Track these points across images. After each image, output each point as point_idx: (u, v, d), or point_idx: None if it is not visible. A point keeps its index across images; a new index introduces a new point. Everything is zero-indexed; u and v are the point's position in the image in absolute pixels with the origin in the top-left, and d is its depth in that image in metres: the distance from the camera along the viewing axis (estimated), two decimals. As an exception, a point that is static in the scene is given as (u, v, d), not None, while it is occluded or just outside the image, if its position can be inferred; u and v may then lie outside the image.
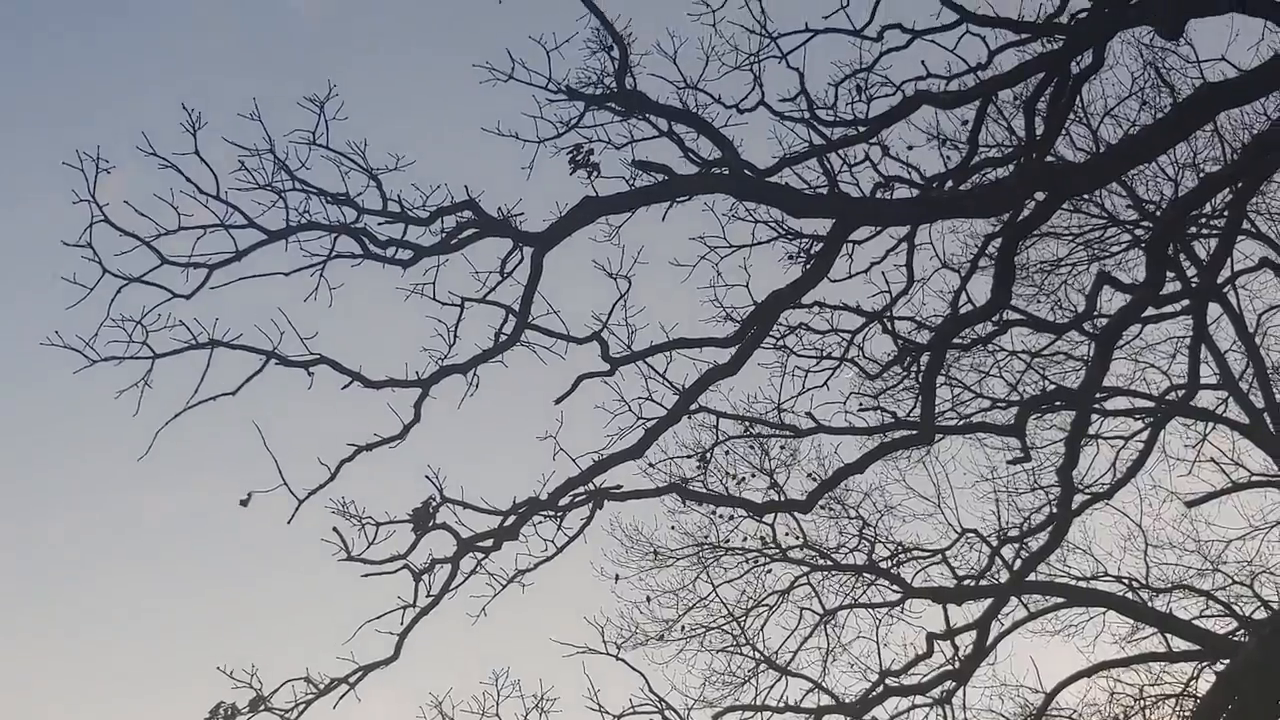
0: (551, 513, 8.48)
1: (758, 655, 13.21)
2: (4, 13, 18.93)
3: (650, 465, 12.04)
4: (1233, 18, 9.46)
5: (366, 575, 8.24)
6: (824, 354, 11.22)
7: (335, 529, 8.12)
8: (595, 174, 8.08)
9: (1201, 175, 11.84)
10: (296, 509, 8.08)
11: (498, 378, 8.54)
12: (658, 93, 9.13)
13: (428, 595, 8.33)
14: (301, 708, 8.33)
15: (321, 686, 8.32)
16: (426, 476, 8.27)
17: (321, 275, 8.03)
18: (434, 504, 8.18)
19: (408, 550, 8.20)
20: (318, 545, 8.23)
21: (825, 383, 11.04)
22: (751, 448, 13.32)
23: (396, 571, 8.26)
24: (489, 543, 8.34)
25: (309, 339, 7.91)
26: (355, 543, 8.19)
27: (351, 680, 8.33)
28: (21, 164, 19.79)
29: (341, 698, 8.37)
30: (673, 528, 14.15)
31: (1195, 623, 13.46)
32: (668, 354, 9.04)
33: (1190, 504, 14.18)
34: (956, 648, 11.74)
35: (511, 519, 8.33)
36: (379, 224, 8.07)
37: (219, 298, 8.01)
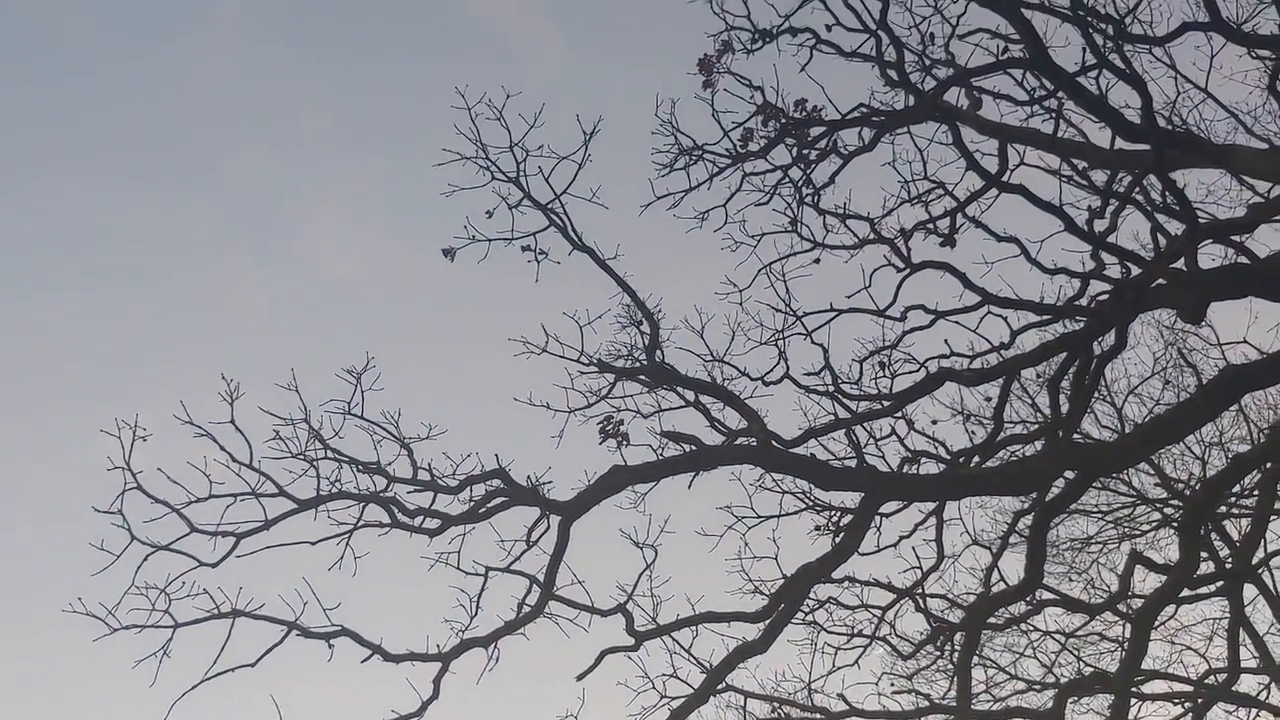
0: (573, 803, 8.12)
1: None
2: (36, 285, 19.61)
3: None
4: (1251, 301, 9.68)
5: None
6: (855, 631, 10.98)
7: (348, 813, 7.80)
8: (624, 444, 8.17)
9: (1229, 454, 11.85)
10: (308, 790, 7.84)
11: (519, 649, 8.38)
12: (685, 364, 9.35)
13: None
14: None
15: None
16: (442, 755, 7.99)
17: (348, 544, 8.04)
18: (450, 786, 7.87)
19: (421, 837, 7.84)
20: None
21: (856, 661, 10.77)
22: (781, 728, 12.86)
23: None
24: (505, 830, 7.97)
25: (331, 609, 7.83)
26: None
27: None
28: (56, 428, 20.14)
29: None
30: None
31: None
32: (694, 628, 8.87)
33: (1241, 796, 13.50)
34: None
35: (531, 807, 7.99)
36: (408, 492, 8.14)
37: (243, 565, 7.99)
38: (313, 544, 8.04)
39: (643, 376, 8.52)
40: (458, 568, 8.16)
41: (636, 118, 9.66)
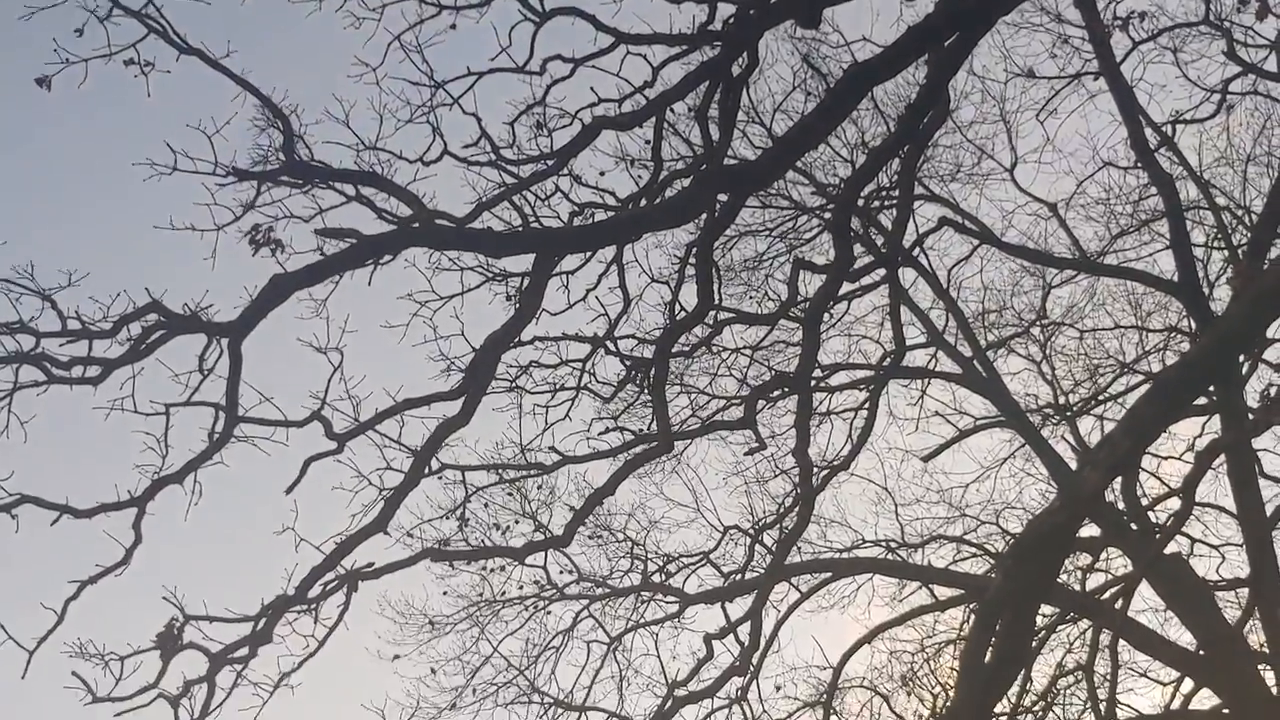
0: (304, 607, 8.15)
1: (549, 700, 13.14)
2: None
3: (409, 535, 11.85)
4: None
5: (120, 714, 7.73)
6: (558, 386, 11.29)
7: (75, 673, 7.62)
8: (279, 250, 7.88)
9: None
10: (28, 661, 7.58)
11: (224, 478, 8.20)
12: (338, 158, 9.01)
13: (190, 720, 7.88)
14: None
15: (91, 843, 7.74)
16: (165, 598, 7.85)
17: (9, 411, 7.56)
18: (178, 624, 7.75)
19: (157, 678, 7.75)
20: (61, 694, 7.73)
21: (567, 415, 11.10)
22: (510, 495, 13.30)
23: (151, 703, 7.78)
24: (243, 652, 7.96)
25: (4, 480, 7.41)
26: (101, 683, 7.72)
27: (123, 827, 7.77)
28: None
29: None
30: (445, 594, 13.96)
31: (953, 569, 14.20)
32: (398, 418, 8.86)
33: (925, 458, 14.98)
34: (741, 643, 11.94)
35: (262, 622, 7.97)
36: (61, 345, 7.64)
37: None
38: (-34, 420, 7.52)
39: (285, 177, 8.15)
40: (135, 411, 7.84)
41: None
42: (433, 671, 13.45)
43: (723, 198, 8.96)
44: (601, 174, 10.91)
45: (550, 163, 9.96)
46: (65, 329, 7.53)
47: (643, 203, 10.36)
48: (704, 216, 9.25)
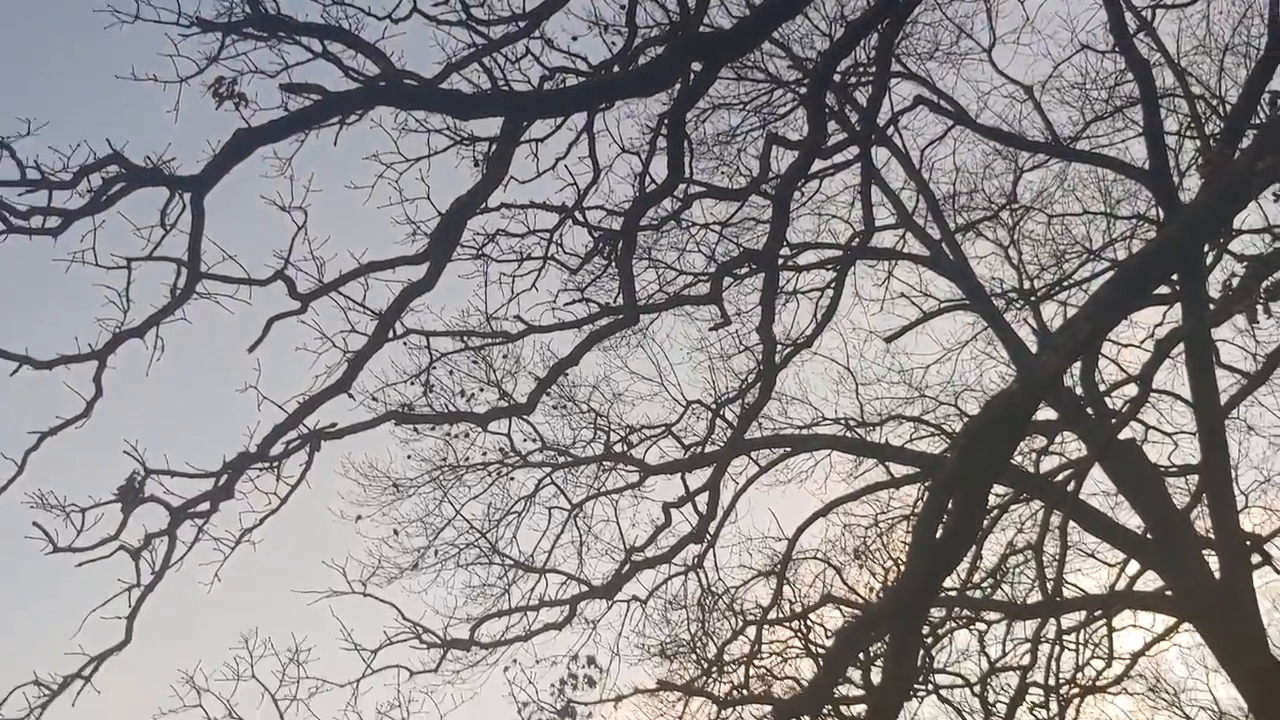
0: (266, 464, 8.20)
1: (509, 562, 13.36)
2: None
3: (372, 398, 11.87)
4: None
5: (81, 564, 7.83)
6: (525, 255, 11.22)
7: (36, 523, 7.67)
8: (243, 104, 7.71)
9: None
10: (-12, 511, 7.62)
11: (188, 335, 8.16)
12: (304, 13, 8.79)
13: (151, 573, 7.98)
14: (38, 712, 7.88)
15: (55, 686, 7.90)
16: (126, 452, 7.87)
17: (-33, 261, 7.46)
18: (139, 478, 7.79)
19: (118, 530, 7.82)
20: (22, 544, 7.80)
21: (534, 285, 11.04)
22: (475, 362, 13.31)
23: (112, 555, 7.88)
24: (204, 507, 8.03)
25: (-39, 331, 7.34)
26: (61, 534, 7.78)
27: (85, 674, 7.93)
28: None
29: (79, 694, 7.98)
30: (409, 457, 14.08)
31: (910, 447, 14.41)
32: (363, 281, 8.81)
33: (888, 339, 15.08)
34: (700, 513, 12.17)
35: (224, 479, 8.02)
36: (20, 194, 7.49)
37: None
38: (-75, 268, 7.42)
39: (251, 28, 7.94)
40: (96, 265, 7.74)
41: None
42: (395, 532, 13.65)
43: (697, 67, 8.83)
44: (574, 39, 10.68)
45: (522, 24, 9.76)
46: (24, 178, 7.37)
47: (615, 70, 10.21)
48: (677, 86, 9.14)
